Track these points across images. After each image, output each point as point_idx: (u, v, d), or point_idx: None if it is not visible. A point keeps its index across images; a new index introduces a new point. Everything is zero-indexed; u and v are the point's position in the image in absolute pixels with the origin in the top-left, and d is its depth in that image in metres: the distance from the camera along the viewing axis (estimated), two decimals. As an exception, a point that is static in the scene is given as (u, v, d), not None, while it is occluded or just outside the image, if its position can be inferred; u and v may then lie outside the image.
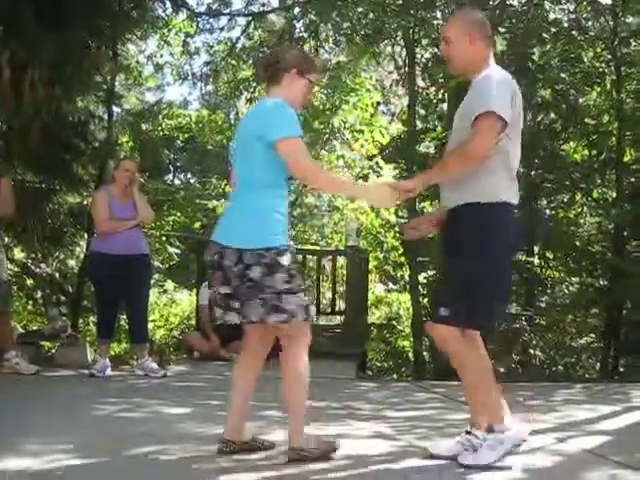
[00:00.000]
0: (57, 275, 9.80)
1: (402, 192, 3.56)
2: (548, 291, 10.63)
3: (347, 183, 4.40)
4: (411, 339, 10.12)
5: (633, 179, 10.19)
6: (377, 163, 12.66)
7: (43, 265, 9.67)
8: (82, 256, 9.34)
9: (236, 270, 3.40)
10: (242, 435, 3.62)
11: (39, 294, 10.10)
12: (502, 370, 9.54)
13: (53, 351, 7.68)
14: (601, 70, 9.99)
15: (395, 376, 9.59)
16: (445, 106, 10.64)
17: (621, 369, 9.49)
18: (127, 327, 7.62)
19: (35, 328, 9.12)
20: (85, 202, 9.61)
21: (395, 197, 3.59)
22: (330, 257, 11.08)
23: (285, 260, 3.40)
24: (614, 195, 10.23)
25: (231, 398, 3.62)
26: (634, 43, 9.82)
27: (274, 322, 3.44)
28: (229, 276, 3.43)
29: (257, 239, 3.41)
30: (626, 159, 10.28)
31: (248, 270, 3.38)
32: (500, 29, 9.74)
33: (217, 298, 3.53)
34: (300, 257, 11.80)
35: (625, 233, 10.04)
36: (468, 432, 3.57)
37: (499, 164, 3.44)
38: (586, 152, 10.86)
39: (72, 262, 9.97)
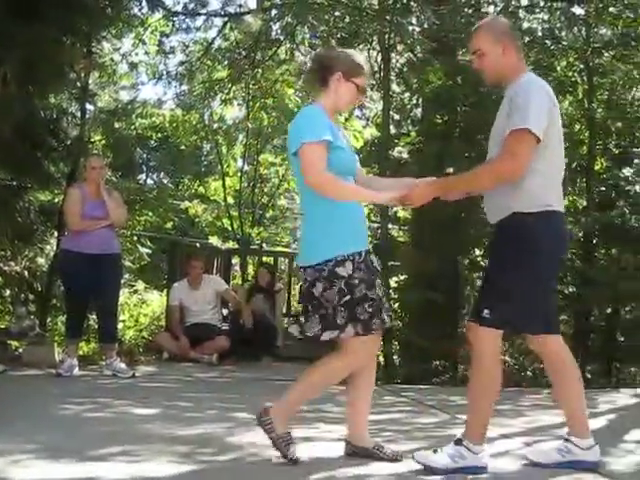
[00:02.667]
0: (26, 273, 9.69)
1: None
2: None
3: (364, 193, 3.67)
4: (381, 343, 10.14)
5: (603, 188, 10.28)
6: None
7: (12, 263, 9.56)
8: (52, 254, 9.26)
9: (304, 288, 3.44)
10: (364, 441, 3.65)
11: (7, 292, 10.00)
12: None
13: (20, 350, 7.59)
14: (574, 79, 10.08)
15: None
16: (419, 111, 10.69)
17: (588, 375, 9.57)
18: (96, 326, 7.56)
19: (2, 326, 9.03)
20: (56, 200, 9.53)
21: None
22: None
23: (344, 270, 3.34)
24: (584, 203, 10.32)
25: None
26: (606, 54, 9.93)
27: (327, 339, 3.43)
28: (302, 293, 3.49)
29: (313, 254, 3.41)
30: (597, 167, 10.38)
31: (313, 287, 3.37)
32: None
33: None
34: (272, 259, 11.84)
35: (594, 241, 10.14)
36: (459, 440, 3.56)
37: (536, 173, 3.37)
38: (557, 160, 10.94)
39: (42, 260, 9.86)
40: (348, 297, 3.33)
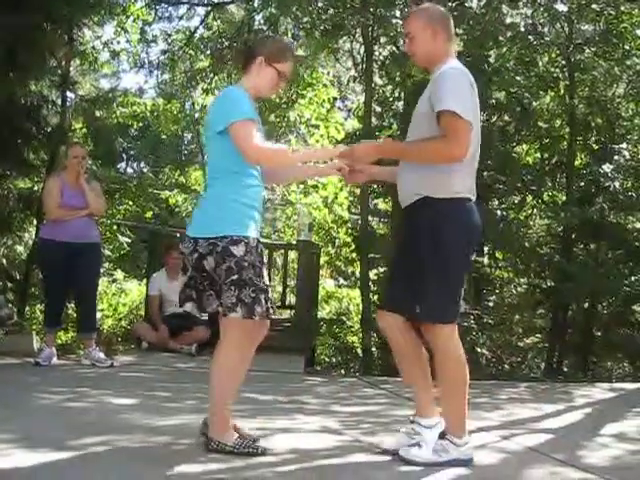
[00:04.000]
0: (4, 261, 9.63)
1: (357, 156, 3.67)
2: (497, 291, 10.75)
3: (306, 153, 4.17)
4: (360, 335, 10.17)
5: (582, 183, 10.36)
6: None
7: (-10, 251, 9.50)
8: (31, 242, 9.20)
9: (192, 259, 3.40)
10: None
11: (-15, 280, 9.93)
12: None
13: (-2, 339, 7.56)
14: (555, 75, 10.14)
15: (343, 371, 9.62)
16: (401, 104, 10.70)
17: (565, 369, 9.67)
18: (75, 316, 7.54)
19: (-20, 315, 8.96)
20: (36, 188, 9.46)
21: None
22: (282, 251, 11.10)
23: (237, 250, 3.34)
24: (564, 198, 10.39)
25: None
26: (587, 50, 9.99)
27: (212, 311, 3.42)
28: (187, 265, 3.44)
29: (210, 227, 3.39)
30: (577, 163, 10.45)
31: (203, 260, 3.36)
32: (458, 31, 9.82)
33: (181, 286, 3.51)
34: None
35: (573, 236, 10.22)
36: (412, 421, 3.59)
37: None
38: (538, 155, 11.02)
39: (20, 248, 9.81)
40: (236, 277, 3.33)
